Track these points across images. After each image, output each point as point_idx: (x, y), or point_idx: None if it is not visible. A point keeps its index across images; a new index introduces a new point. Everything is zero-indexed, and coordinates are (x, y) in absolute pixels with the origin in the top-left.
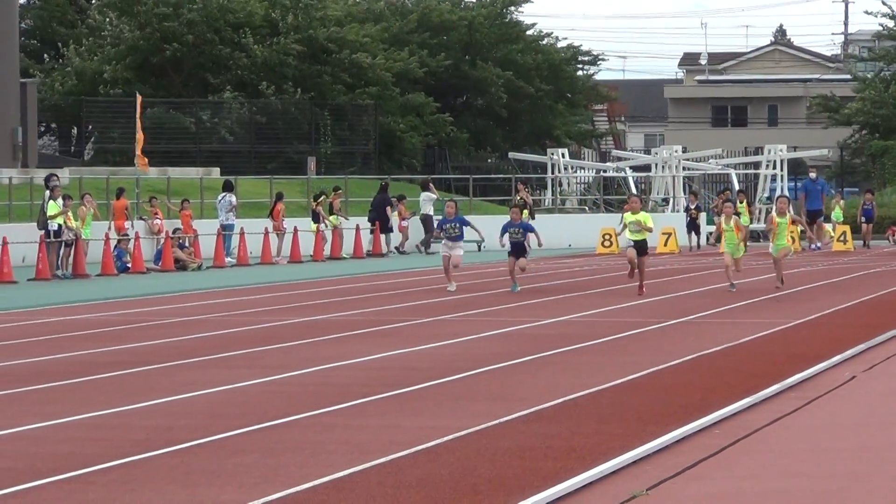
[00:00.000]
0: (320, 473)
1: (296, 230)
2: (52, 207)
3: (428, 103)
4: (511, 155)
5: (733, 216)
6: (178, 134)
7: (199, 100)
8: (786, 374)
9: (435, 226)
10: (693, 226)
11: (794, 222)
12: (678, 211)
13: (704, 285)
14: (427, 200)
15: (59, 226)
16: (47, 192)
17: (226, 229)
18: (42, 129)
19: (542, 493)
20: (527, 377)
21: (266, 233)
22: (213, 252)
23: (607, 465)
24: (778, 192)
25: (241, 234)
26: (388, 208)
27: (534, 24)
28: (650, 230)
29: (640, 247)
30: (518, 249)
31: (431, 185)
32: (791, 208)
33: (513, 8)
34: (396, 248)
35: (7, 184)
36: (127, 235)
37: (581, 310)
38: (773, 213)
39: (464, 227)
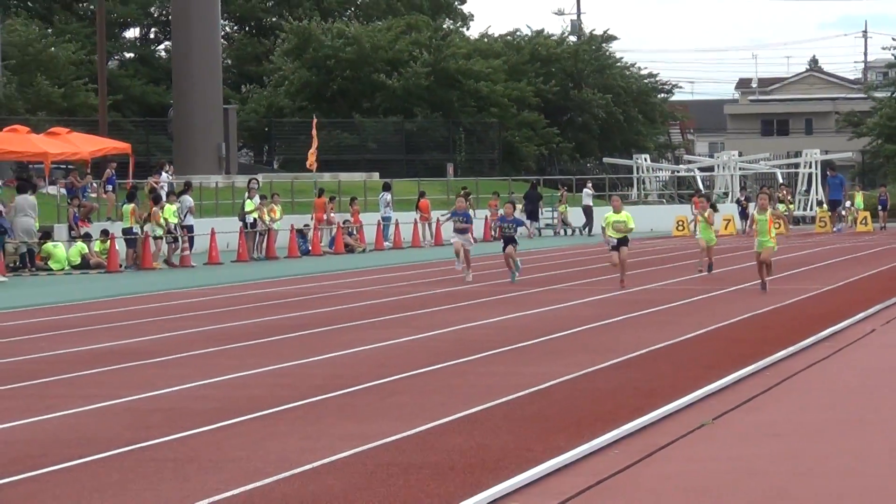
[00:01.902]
0: (459, 409)
1: (438, 220)
2: (249, 205)
3: (540, 120)
4: (605, 160)
5: (769, 208)
6: (346, 147)
7: (361, 119)
8: (820, 329)
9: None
10: (744, 213)
11: (777, 217)
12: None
13: (755, 261)
14: (588, 194)
15: (255, 219)
16: (246, 193)
17: (384, 220)
18: (240, 144)
19: (630, 422)
20: (616, 333)
21: (415, 223)
22: (374, 238)
23: (681, 400)
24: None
25: (396, 224)
26: (541, 201)
27: (621, 58)
28: (631, 230)
29: (622, 242)
30: (509, 241)
31: (590, 182)
32: (773, 205)
33: (604, 45)
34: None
35: (214, 187)
36: (307, 226)
37: (658, 280)
38: (754, 211)
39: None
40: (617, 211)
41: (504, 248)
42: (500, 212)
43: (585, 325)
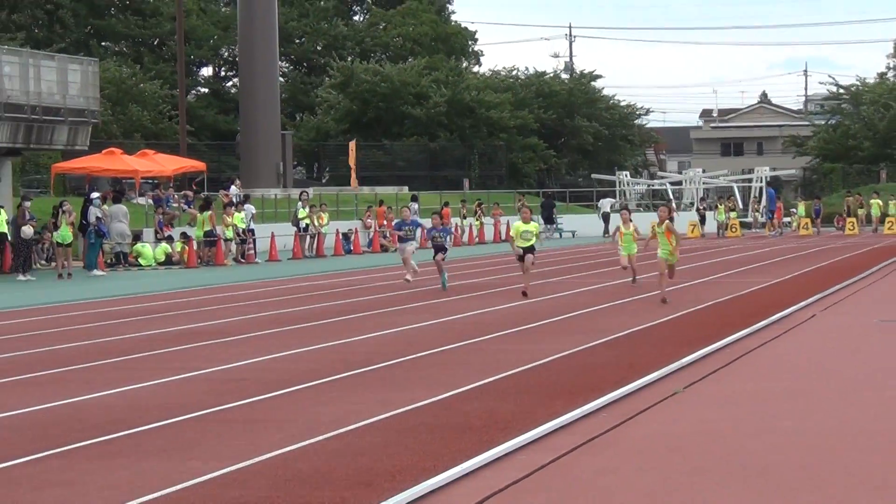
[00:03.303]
0: (474, 380)
1: (456, 226)
2: (301, 212)
3: (539, 144)
4: (593, 176)
5: (666, 223)
6: (380, 165)
7: (392, 143)
8: (770, 314)
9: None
10: (702, 219)
11: (670, 232)
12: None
13: (716, 258)
14: (606, 203)
15: (307, 224)
16: (300, 202)
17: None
18: (295, 163)
19: (616, 391)
20: (604, 318)
21: None
22: None
23: (657, 373)
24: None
25: (422, 228)
26: (553, 209)
27: (602, 89)
28: (538, 237)
29: (528, 250)
30: (439, 249)
31: (610, 196)
32: (673, 216)
33: (592, 82)
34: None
35: (273, 198)
36: (350, 230)
37: (637, 275)
38: (654, 222)
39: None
40: (526, 222)
41: (434, 256)
42: (429, 222)
43: (579, 310)
